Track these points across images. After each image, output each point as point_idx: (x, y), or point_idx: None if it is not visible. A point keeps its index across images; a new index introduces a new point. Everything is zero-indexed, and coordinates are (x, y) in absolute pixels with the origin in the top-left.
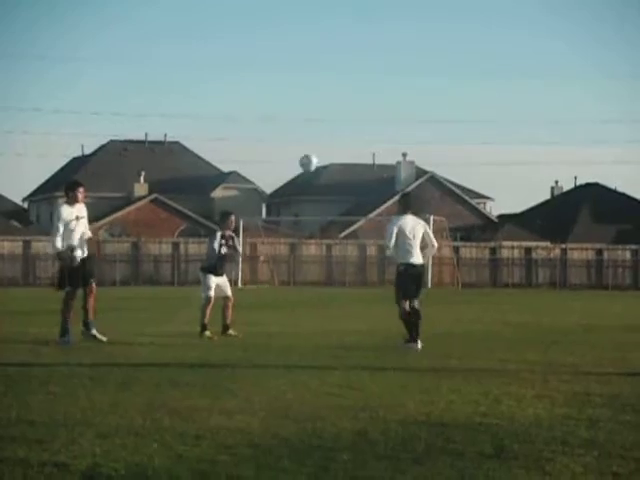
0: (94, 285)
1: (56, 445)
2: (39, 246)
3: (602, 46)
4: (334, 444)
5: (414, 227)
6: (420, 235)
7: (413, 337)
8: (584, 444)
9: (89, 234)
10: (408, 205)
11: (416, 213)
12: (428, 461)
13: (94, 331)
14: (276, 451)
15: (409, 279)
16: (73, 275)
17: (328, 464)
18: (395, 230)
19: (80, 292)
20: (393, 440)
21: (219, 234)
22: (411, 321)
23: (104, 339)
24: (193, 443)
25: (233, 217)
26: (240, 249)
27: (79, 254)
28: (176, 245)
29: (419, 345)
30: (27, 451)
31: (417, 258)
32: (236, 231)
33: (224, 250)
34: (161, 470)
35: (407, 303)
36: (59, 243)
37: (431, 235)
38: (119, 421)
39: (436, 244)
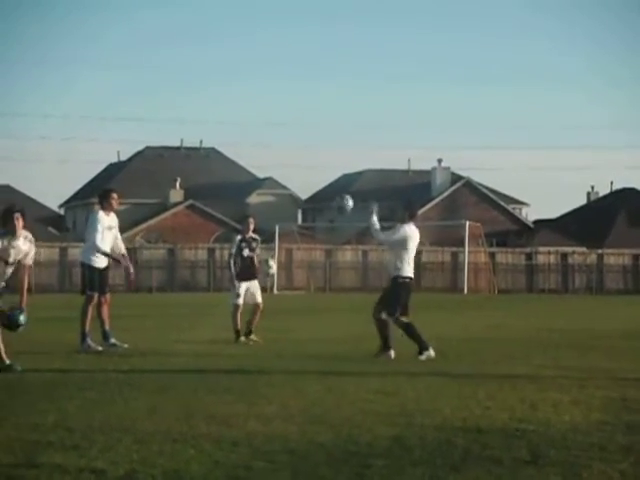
0: (108, 295)
1: (93, 451)
2: (75, 253)
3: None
4: (370, 450)
5: (417, 239)
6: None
7: (389, 345)
8: (621, 450)
9: (123, 250)
10: (415, 213)
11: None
12: (465, 467)
13: (113, 340)
14: (313, 457)
15: (408, 294)
16: (95, 280)
17: (364, 470)
18: (407, 237)
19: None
20: (429, 446)
21: (239, 238)
22: (387, 331)
23: (125, 345)
24: (230, 449)
25: (251, 219)
26: (258, 252)
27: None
28: (212, 251)
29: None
30: (64, 457)
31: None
32: (270, 237)
33: (246, 253)
34: (198, 476)
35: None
36: (104, 246)
37: None
38: (156, 427)
39: None
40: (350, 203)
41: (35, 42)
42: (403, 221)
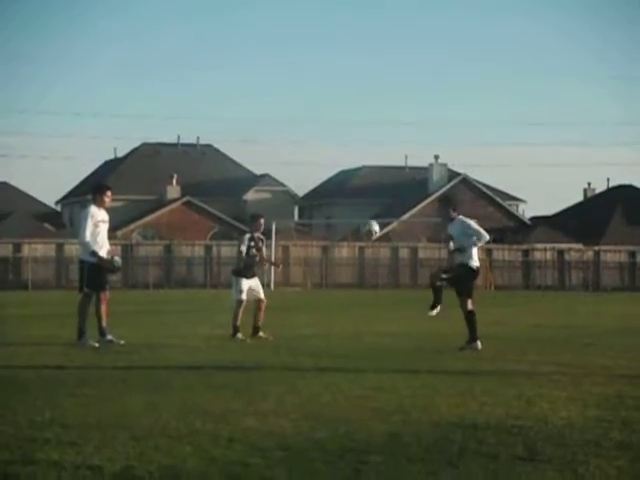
0: (107, 292)
1: (89, 448)
2: (72, 249)
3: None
4: (367, 447)
5: (461, 229)
6: None
7: (476, 337)
8: (617, 446)
9: (108, 247)
10: (454, 205)
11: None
12: (461, 463)
13: (109, 336)
14: (309, 454)
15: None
16: (93, 278)
17: (361, 467)
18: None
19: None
20: (426, 442)
21: (248, 236)
22: (475, 323)
23: (121, 342)
24: (226, 445)
25: (262, 219)
26: (264, 252)
27: (119, 261)
28: (208, 248)
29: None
30: (61, 453)
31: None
32: (266, 234)
33: (253, 251)
34: (194, 472)
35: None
36: (91, 243)
37: None
38: (153, 423)
39: None
40: (376, 228)
41: (28, 37)
42: (450, 218)
